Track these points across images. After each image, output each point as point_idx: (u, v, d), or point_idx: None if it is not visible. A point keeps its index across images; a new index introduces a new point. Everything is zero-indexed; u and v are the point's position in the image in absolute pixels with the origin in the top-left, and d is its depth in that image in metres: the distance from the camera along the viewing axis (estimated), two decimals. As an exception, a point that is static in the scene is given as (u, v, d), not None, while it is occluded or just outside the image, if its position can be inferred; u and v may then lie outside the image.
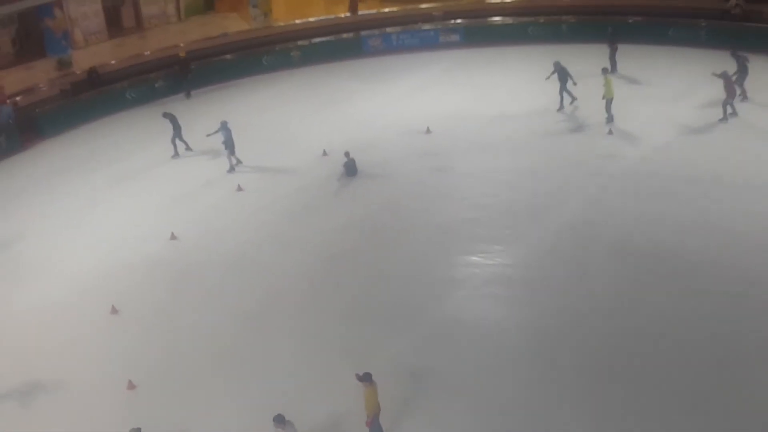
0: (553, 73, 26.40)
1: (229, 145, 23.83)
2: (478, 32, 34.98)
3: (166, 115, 25.56)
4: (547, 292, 17.32)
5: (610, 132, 24.57)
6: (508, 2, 37.76)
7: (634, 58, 29.73)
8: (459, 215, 20.69)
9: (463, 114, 27.04)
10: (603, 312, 16.52)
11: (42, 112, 29.12)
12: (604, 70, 25.83)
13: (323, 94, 30.47)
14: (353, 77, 32.20)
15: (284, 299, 17.87)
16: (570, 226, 19.72)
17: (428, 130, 25.90)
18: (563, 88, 26.39)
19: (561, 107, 26.62)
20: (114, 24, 37.11)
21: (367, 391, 12.89)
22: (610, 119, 25.25)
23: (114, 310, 17.79)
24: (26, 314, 18.03)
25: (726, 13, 32.34)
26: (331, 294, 17.95)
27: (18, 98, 29.44)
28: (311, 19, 37.44)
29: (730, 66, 25.28)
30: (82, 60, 32.88)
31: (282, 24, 37.35)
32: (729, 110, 24.67)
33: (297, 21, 37.40)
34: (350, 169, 23.25)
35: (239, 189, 23.10)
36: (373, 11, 37.93)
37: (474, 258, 18.79)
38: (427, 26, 35.56)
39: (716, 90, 24.78)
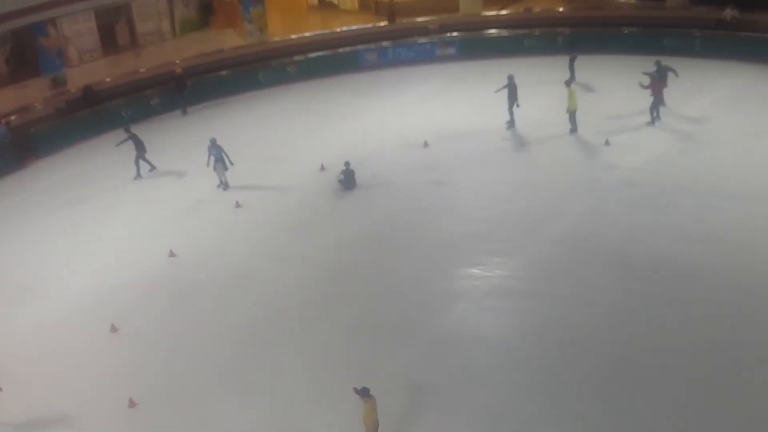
0: (504, 87, 26.17)
1: (219, 162, 23.74)
2: (475, 45, 35.02)
3: (128, 131, 25.39)
4: (547, 304, 17.33)
5: (607, 143, 24.59)
6: (504, 15, 37.97)
7: (629, 69, 29.76)
8: (458, 228, 20.69)
9: (460, 127, 27.05)
10: (603, 322, 16.53)
11: (37, 130, 29.02)
12: (567, 82, 25.94)
13: (320, 109, 30.48)
14: (350, 92, 32.20)
15: (285, 315, 17.81)
16: (569, 238, 19.75)
17: (426, 144, 25.91)
18: (511, 104, 26.13)
19: (512, 124, 26.45)
20: (109, 41, 37.10)
21: (365, 406, 12.84)
22: (574, 129, 25.37)
23: (114, 329, 17.73)
24: (25, 333, 17.94)
25: (720, 22, 32.47)
26: (332, 309, 17.90)
27: (13, 117, 29.37)
28: (307, 34, 37.58)
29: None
30: (77, 78, 32.84)
31: (278, 39, 37.40)
32: (654, 113, 25.47)
33: (293, 36, 37.45)
34: (349, 180, 23.24)
35: (238, 205, 23.06)
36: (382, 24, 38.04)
37: (474, 270, 18.78)
38: (423, 40, 35.61)
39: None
